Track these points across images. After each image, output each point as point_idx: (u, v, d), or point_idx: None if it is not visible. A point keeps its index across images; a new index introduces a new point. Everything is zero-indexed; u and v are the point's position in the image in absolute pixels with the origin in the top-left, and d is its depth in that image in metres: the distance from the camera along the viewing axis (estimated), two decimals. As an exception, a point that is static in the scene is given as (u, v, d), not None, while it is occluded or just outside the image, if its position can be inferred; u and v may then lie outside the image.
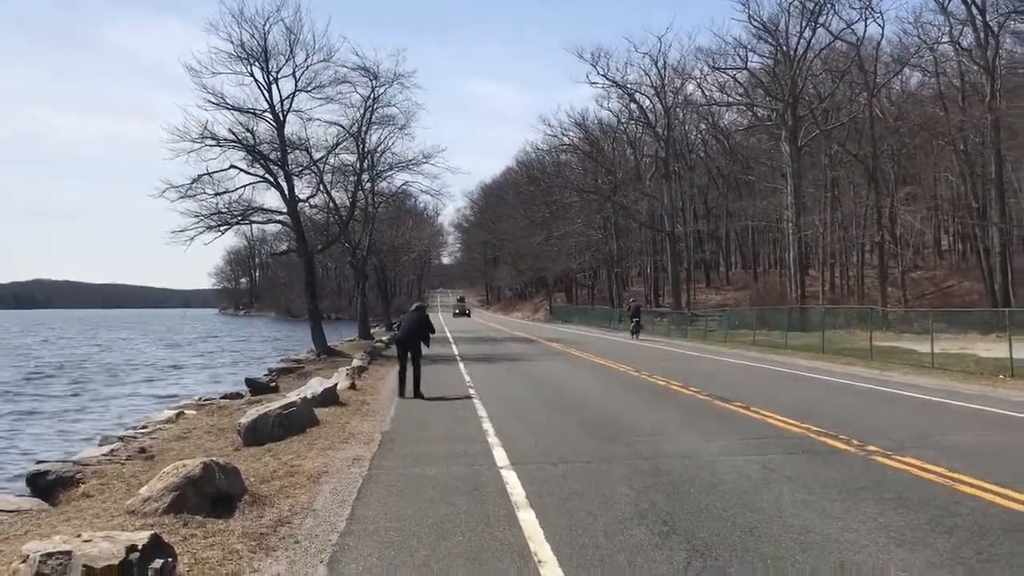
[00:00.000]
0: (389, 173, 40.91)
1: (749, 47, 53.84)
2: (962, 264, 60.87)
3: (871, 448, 9.15)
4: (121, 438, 13.76)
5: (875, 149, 48.59)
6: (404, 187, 44.19)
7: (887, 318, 34.36)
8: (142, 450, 11.15)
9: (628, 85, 62.96)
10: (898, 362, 21.79)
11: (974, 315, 31.64)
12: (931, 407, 13.41)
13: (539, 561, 5.30)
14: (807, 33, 49.17)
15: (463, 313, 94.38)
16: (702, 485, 7.47)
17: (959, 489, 7.15)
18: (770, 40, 51.38)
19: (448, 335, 42.38)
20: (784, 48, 50.21)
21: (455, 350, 30.00)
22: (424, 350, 16.31)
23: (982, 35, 41.68)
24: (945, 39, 46.73)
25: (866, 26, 48.72)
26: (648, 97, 63.68)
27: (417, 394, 15.23)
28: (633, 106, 65.37)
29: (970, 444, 9.53)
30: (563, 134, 74.68)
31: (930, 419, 11.87)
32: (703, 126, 75.55)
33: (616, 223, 73.18)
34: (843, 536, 5.79)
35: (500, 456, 9.06)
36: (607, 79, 61.98)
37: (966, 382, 17.22)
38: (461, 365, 22.98)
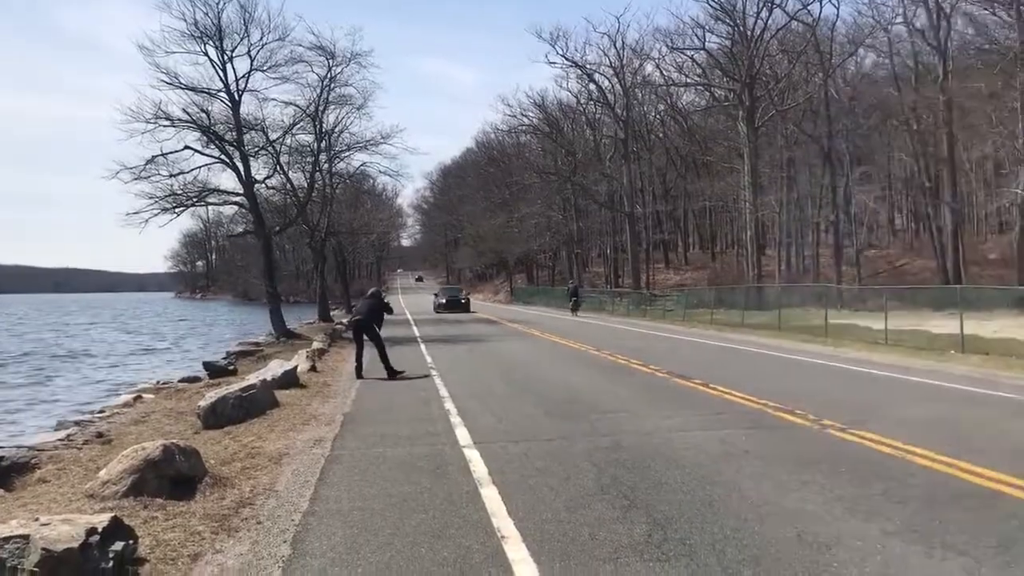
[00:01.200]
0: (347, 154, 40.74)
1: (707, 28, 54.16)
2: (915, 242, 62.00)
3: (826, 422, 9.33)
4: (78, 423, 13.59)
5: (830, 129, 49.12)
6: (362, 168, 43.96)
7: (842, 296, 34.87)
8: (99, 435, 11.01)
9: (587, 65, 63.01)
10: (853, 339, 22.17)
11: (927, 292, 32.22)
12: (884, 382, 13.68)
13: (502, 537, 5.35)
14: (764, 14, 49.54)
15: (456, 304, 51.82)
16: (662, 460, 7.57)
17: (911, 460, 7.33)
18: (727, 21, 51.64)
19: (409, 317, 42.23)
20: (741, 29, 50.50)
21: (416, 332, 29.93)
22: (381, 332, 16.32)
23: (934, 16, 42.30)
24: (899, 20, 47.33)
25: (821, 7, 49.40)
26: (607, 78, 63.80)
27: (392, 374, 15.22)
28: (592, 87, 65.43)
29: (922, 417, 9.75)
30: (523, 115, 74.73)
31: (884, 394, 12.12)
32: (661, 107, 75.82)
33: (576, 204, 73.34)
34: (800, 508, 5.91)
35: (463, 435, 9.10)
36: (566, 59, 61.97)
37: (918, 357, 17.58)
38: (423, 347, 22.95)
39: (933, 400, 11.38)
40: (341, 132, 39.06)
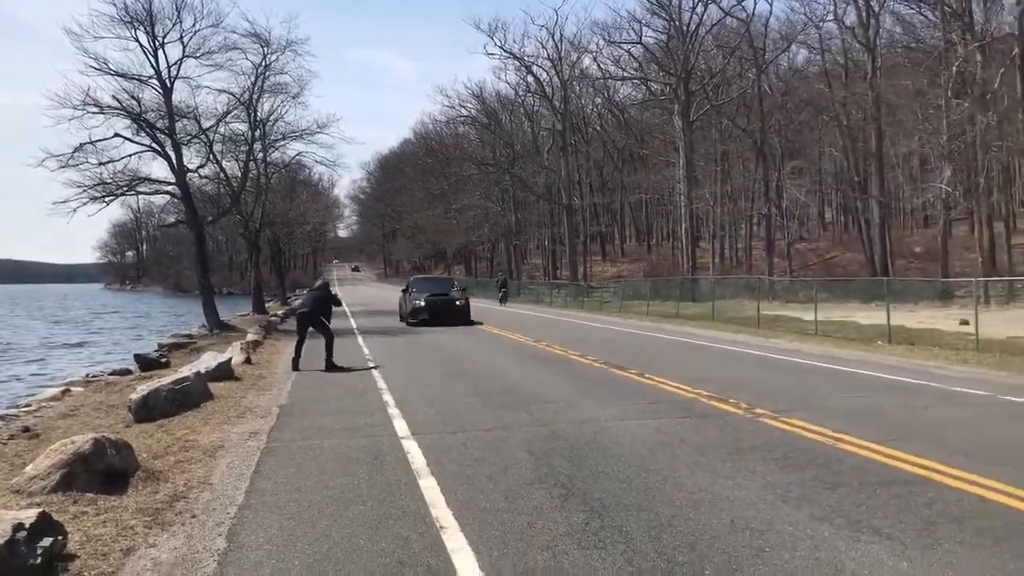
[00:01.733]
0: (282, 143, 40.24)
1: (643, 22, 54.91)
2: (844, 236, 63.57)
3: (759, 411, 9.53)
4: (2, 417, 13.19)
5: (763, 124, 50.08)
6: (298, 157, 43.50)
7: (774, 288, 35.65)
8: (26, 429, 10.71)
9: (525, 57, 63.28)
10: (784, 330, 22.65)
11: (855, 284, 33.15)
12: (815, 372, 14.01)
13: (441, 527, 5.36)
14: (699, 9, 50.34)
15: (447, 310, 28.24)
16: (599, 449, 7.65)
17: (840, 448, 7.53)
18: (664, 15, 52.33)
19: (345, 308, 41.88)
20: (677, 23, 51.15)
21: (353, 323, 29.71)
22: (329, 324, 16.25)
23: (864, 14, 43.34)
24: (830, 17, 48.47)
25: (756, 3, 50.34)
26: (545, 70, 64.09)
27: (331, 366, 15.12)
28: (530, 79, 65.74)
29: (850, 406, 10.02)
30: (461, 106, 74.65)
31: (814, 383, 12.42)
32: (599, 100, 76.45)
33: (514, 196, 73.52)
34: (733, 494, 6.04)
35: (400, 427, 9.07)
36: (504, 51, 62.19)
37: (847, 348, 18.04)
38: (360, 338, 22.80)
39: (862, 389, 11.69)
40: (276, 121, 38.67)
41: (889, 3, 44.79)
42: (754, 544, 4.91)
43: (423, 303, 28.06)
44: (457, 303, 28.78)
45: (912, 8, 46.17)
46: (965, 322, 20.45)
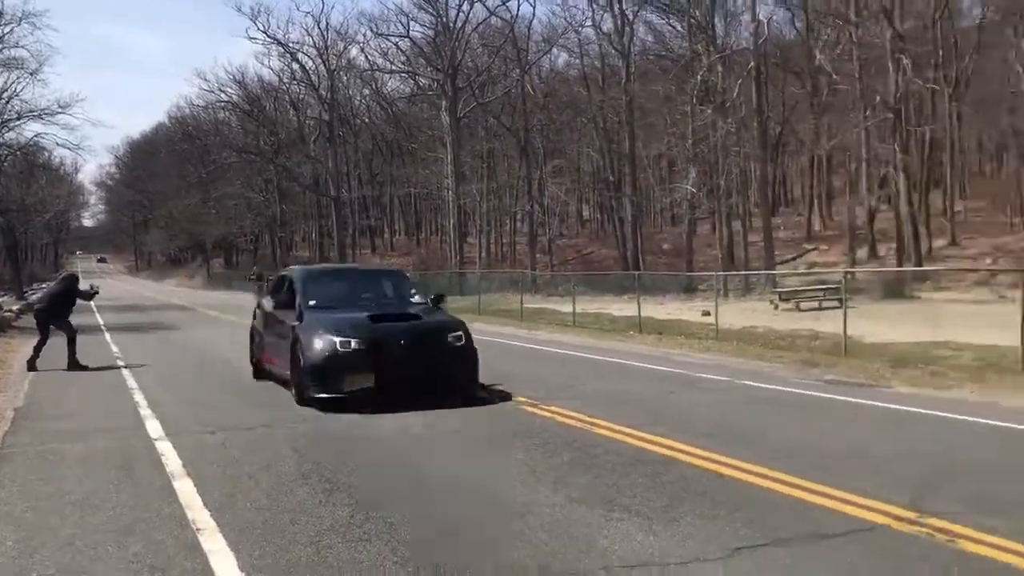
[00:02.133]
0: (18, 122, 37.11)
1: (411, 16, 54.82)
2: (600, 232, 66.85)
3: (521, 399, 9.86)
4: None
5: (527, 123, 51.71)
6: (36, 139, 40.15)
7: (536, 282, 36.92)
8: None
9: (290, 44, 61.51)
10: (546, 321, 23.56)
11: (610, 279, 35.00)
12: (572, 361, 14.71)
13: (198, 529, 5.14)
14: (465, 7, 51.09)
15: (421, 363, 9.77)
16: (366, 444, 7.64)
17: (596, 432, 7.94)
18: (430, 10, 52.66)
19: (91, 304, 39.07)
20: (444, 19, 51.68)
21: (100, 320, 27.79)
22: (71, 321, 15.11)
23: (619, 22, 45.84)
24: (588, 23, 50.80)
25: (519, 5, 51.89)
26: (311, 58, 62.69)
27: (74, 365, 14.04)
28: (296, 66, 64.01)
29: (604, 392, 10.60)
30: (221, 90, 71.34)
31: (571, 371, 13.03)
32: (367, 92, 75.71)
33: (279, 186, 71.35)
34: (495, 481, 6.23)
35: (154, 428, 8.60)
36: (268, 36, 60.13)
37: (603, 338, 19.04)
38: (107, 335, 21.40)
39: (614, 376, 12.40)
40: (11, 99, 35.52)
41: (642, 13, 47.68)
42: (514, 527, 5.08)
43: (355, 344, 9.66)
44: (450, 337, 10.29)
45: (663, 19, 49.40)
46: (707, 313, 22.09)
